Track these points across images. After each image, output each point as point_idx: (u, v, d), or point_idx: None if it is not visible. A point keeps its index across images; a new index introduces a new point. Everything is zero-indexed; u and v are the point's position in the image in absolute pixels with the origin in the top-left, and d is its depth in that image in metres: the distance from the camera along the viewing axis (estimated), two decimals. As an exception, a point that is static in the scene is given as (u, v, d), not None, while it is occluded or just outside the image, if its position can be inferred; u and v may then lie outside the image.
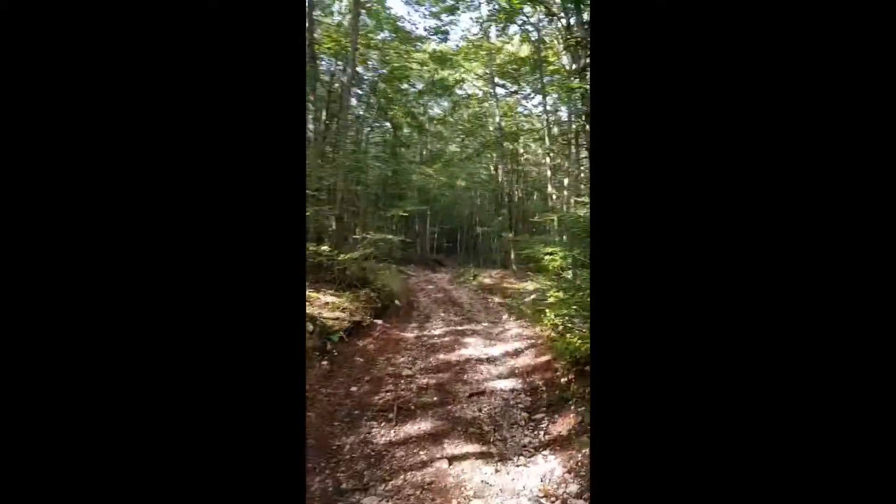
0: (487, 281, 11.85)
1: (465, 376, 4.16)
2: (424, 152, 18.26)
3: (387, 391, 3.77)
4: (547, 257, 4.61)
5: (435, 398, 3.62)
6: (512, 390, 3.79)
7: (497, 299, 9.16)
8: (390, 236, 9.12)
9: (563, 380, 3.82)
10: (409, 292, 9.73)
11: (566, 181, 11.49)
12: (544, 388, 3.77)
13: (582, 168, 11.92)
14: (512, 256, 12.97)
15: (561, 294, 4.04)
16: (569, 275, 4.40)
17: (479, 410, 3.39)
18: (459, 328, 6.19)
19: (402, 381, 4.01)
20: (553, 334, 4.34)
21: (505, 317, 6.91)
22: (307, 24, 7.92)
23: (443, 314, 7.25)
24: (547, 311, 4.68)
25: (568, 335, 3.97)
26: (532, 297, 8.86)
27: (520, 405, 3.49)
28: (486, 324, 6.48)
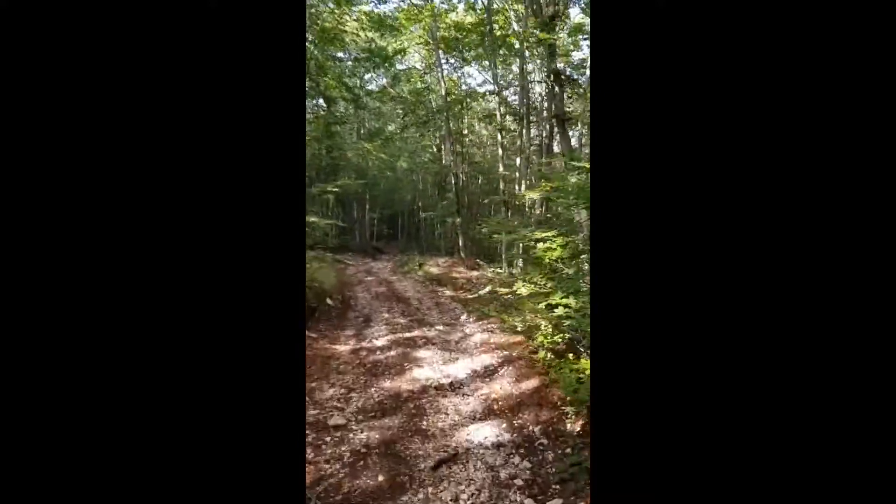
0: (434, 270, 10.47)
1: (425, 421, 2.77)
2: (362, 131, 16.37)
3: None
4: (540, 246, 3.30)
5: (380, 477, 2.20)
6: (498, 447, 2.45)
7: (448, 292, 7.83)
8: (315, 219, 7.42)
9: (573, 427, 2.54)
10: (346, 286, 8.14)
11: (518, 160, 10.35)
12: (546, 442, 2.47)
13: (533, 147, 10.83)
14: (460, 243, 11.70)
15: (572, 302, 2.73)
16: (570, 272, 3.11)
17: (456, 500, 2.02)
18: (408, 335, 4.77)
19: (329, 440, 2.54)
20: (549, 355, 3.06)
21: (463, 316, 5.58)
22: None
23: (386, 314, 5.79)
24: (542, 323, 3.36)
25: (571, 355, 2.67)
26: (487, 289, 7.64)
27: (517, 481, 2.16)
28: (441, 327, 5.11)
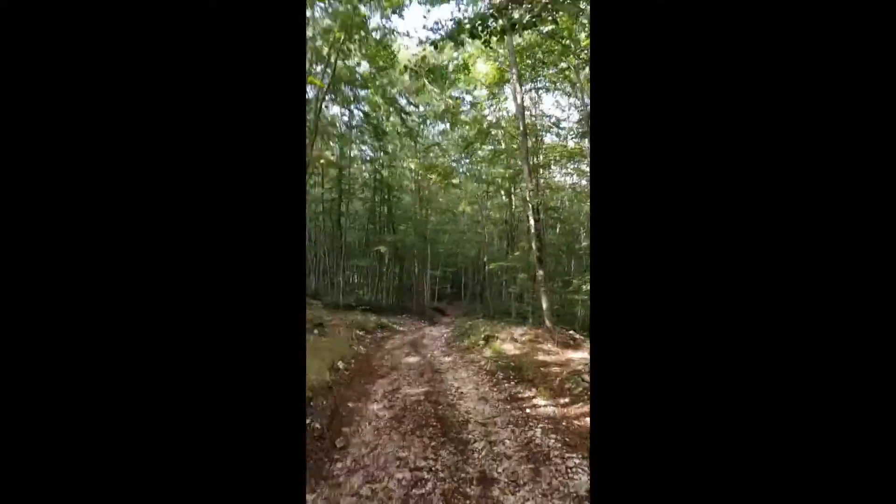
0: (509, 348, 6.44)
1: None
2: (420, 172, 13.39)
3: None
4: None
5: None
6: None
7: (542, 402, 3.80)
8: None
9: None
10: (356, 381, 4.39)
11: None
12: None
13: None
14: (544, 305, 7.66)
15: None
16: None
17: None
18: None
19: None
20: None
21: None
22: None
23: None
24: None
25: None
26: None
27: None
28: None
